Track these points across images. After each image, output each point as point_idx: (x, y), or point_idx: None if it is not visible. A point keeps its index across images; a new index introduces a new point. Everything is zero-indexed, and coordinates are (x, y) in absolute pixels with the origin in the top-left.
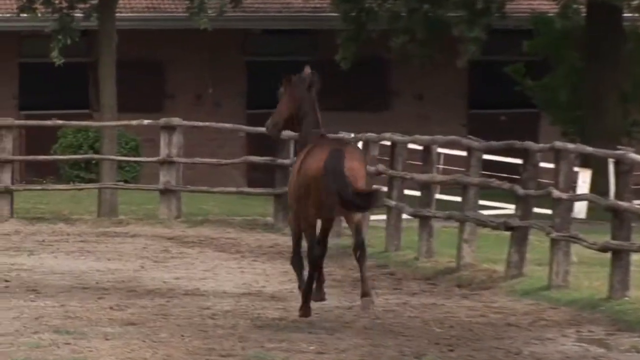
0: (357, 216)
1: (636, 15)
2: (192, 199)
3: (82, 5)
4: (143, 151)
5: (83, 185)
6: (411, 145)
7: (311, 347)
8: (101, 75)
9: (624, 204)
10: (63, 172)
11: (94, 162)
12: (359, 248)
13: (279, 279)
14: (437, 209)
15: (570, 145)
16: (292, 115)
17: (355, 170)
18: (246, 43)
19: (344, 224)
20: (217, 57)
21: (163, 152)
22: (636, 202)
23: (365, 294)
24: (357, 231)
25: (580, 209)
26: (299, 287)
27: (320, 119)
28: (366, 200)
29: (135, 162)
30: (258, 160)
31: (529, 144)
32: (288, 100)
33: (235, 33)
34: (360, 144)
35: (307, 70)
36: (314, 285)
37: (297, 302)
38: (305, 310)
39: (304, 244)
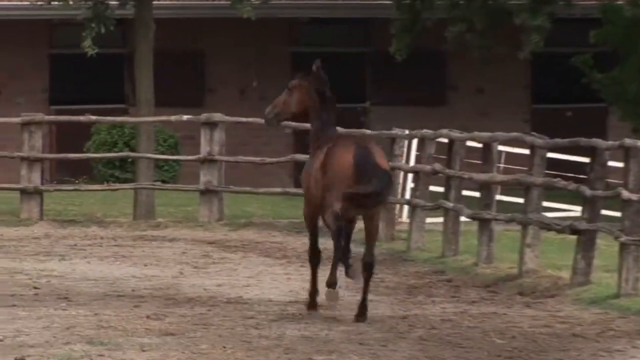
0: (376, 221)
1: None
2: (234, 200)
3: None
4: (182, 149)
5: (118, 186)
6: (470, 143)
7: None
8: (137, 67)
9: None
10: (96, 171)
11: (129, 160)
12: (368, 269)
13: None
14: (498, 211)
15: None
16: (305, 112)
17: (384, 167)
18: (292, 33)
19: (397, 227)
20: (262, 48)
21: (204, 149)
22: None
23: (361, 314)
24: (370, 246)
25: None
26: (311, 286)
27: (334, 118)
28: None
29: (173, 160)
30: (306, 158)
31: (597, 141)
32: (302, 96)
33: (280, 22)
34: (415, 142)
35: (318, 64)
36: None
37: (347, 311)
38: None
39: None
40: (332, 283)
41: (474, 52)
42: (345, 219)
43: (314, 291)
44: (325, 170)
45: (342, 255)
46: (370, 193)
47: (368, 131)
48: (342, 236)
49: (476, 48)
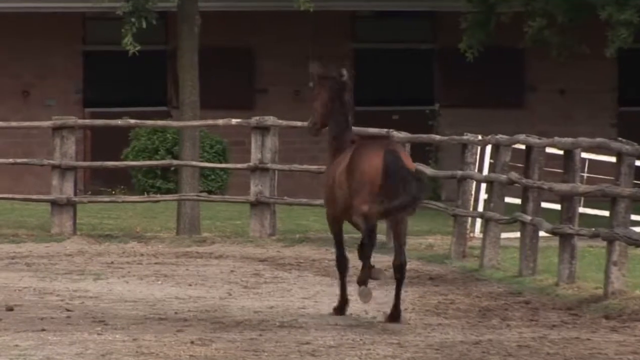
0: (403, 225)
1: None
2: (289, 213)
3: None
4: (231, 156)
5: (159, 197)
6: (550, 150)
7: None
8: (181, 65)
9: None
10: (135, 181)
11: (172, 169)
12: (400, 271)
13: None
14: (581, 225)
15: None
16: (326, 114)
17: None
18: (354, 27)
19: (469, 243)
20: (320, 44)
21: (254, 157)
22: None
23: (394, 317)
24: (400, 248)
25: None
26: (341, 295)
27: (350, 119)
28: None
29: (221, 169)
30: None
31: None
32: (321, 97)
33: (341, 16)
34: (489, 148)
35: (344, 71)
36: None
37: (414, 336)
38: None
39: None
40: (364, 281)
41: (554, 50)
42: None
43: (344, 301)
44: (352, 173)
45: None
46: (407, 204)
47: (396, 133)
48: (374, 235)
49: (557, 45)
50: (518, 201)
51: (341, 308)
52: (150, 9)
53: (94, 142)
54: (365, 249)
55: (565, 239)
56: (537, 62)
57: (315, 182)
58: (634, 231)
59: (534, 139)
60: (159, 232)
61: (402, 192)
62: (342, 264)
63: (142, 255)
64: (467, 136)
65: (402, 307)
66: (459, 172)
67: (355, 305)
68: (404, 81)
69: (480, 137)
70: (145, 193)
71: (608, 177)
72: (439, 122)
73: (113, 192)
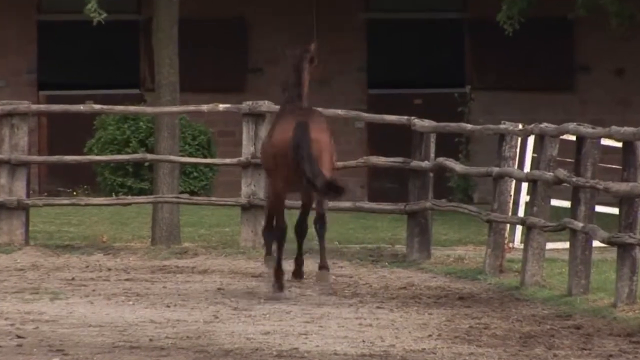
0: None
1: None
2: (288, 219)
3: None
4: (217, 149)
5: (130, 199)
6: (606, 141)
7: None
8: (157, 39)
9: None
10: (101, 179)
11: (146, 164)
12: (320, 221)
13: (414, 335)
14: None
15: None
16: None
17: (322, 143)
18: None
19: (507, 255)
20: (326, 15)
21: (246, 150)
22: None
23: (322, 267)
24: (319, 202)
25: None
26: (265, 259)
27: (305, 92)
28: (331, 192)
29: (206, 165)
30: (384, 162)
31: None
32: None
33: None
34: (531, 139)
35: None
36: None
37: None
38: (278, 286)
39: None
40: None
41: (612, 20)
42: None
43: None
44: (269, 144)
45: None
46: (312, 185)
47: (419, 121)
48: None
49: (615, 15)
50: (567, 204)
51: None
52: None
53: (50, 132)
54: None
55: (625, 250)
56: (590, 35)
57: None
58: None
59: (586, 129)
60: (131, 241)
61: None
62: (266, 235)
63: (109, 269)
64: (505, 125)
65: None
66: (495, 169)
67: (369, 331)
68: (428, 59)
69: (520, 127)
70: (114, 194)
71: None
72: (470, 108)
73: (74, 193)
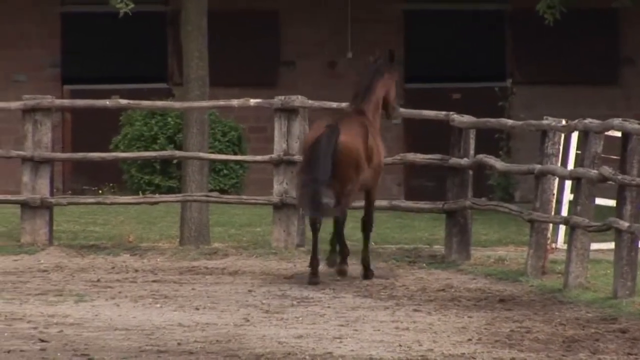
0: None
1: None
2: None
3: None
4: (248, 146)
5: (158, 198)
6: None
7: None
8: (185, 32)
9: None
10: (128, 177)
11: (174, 162)
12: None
13: (453, 339)
14: None
15: None
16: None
17: (348, 150)
18: None
19: (550, 256)
20: (361, 6)
21: (278, 147)
22: None
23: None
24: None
25: None
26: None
27: (363, 93)
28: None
29: (236, 162)
30: (421, 159)
31: None
32: None
33: None
34: (575, 135)
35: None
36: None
37: None
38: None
39: None
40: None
41: None
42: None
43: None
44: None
45: None
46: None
47: (458, 117)
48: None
49: None
50: (612, 203)
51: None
52: None
53: (75, 128)
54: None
55: None
56: (635, 26)
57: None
58: None
59: (632, 125)
60: (158, 242)
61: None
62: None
63: (136, 271)
64: (548, 121)
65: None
66: (537, 167)
67: (406, 335)
68: (468, 51)
69: (564, 122)
70: (141, 193)
71: None
72: (511, 102)
73: (99, 192)
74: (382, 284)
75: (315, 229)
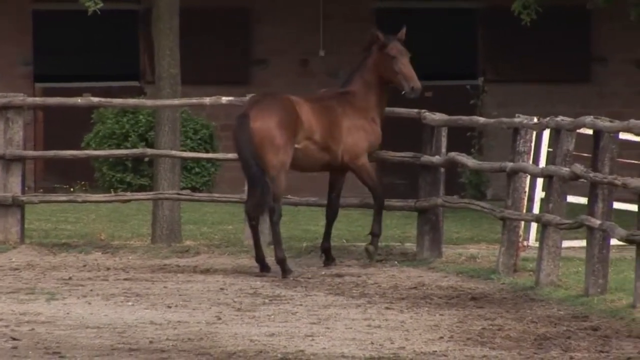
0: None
1: None
2: (294, 216)
3: None
4: (220, 144)
5: (130, 196)
6: (624, 135)
7: None
8: (157, 30)
9: None
10: (100, 175)
11: (146, 160)
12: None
13: (425, 337)
14: None
15: None
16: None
17: (262, 135)
18: None
19: (522, 254)
20: (334, 4)
21: None
22: None
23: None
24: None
25: None
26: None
27: (350, 77)
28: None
29: (208, 160)
30: (393, 157)
31: None
32: None
33: None
34: (547, 133)
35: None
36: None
37: None
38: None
39: None
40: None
41: (632, 10)
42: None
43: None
44: None
45: None
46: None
47: (430, 115)
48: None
49: (634, 5)
50: (584, 201)
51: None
52: None
53: (47, 126)
54: None
55: None
56: (608, 25)
57: (326, 176)
58: None
59: (603, 122)
60: (130, 240)
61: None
62: None
63: (108, 269)
64: (520, 118)
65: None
66: (509, 164)
67: (378, 333)
68: (440, 49)
69: (535, 120)
70: (112, 191)
71: None
72: (483, 100)
73: (71, 190)
74: (354, 282)
75: (251, 225)
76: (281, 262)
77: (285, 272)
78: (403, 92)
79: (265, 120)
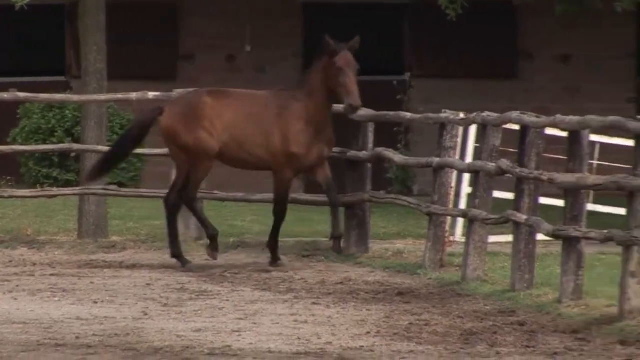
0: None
1: None
2: (220, 212)
3: None
4: (147, 139)
5: (56, 191)
6: (550, 131)
7: None
8: (84, 25)
9: None
10: (25, 170)
11: (72, 155)
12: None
13: (352, 332)
14: (590, 226)
15: None
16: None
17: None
18: None
19: (448, 249)
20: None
21: None
22: None
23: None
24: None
25: None
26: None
27: (298, 85)
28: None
29: (135, 155)
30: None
31: None
32: None
33: None
34: (473, 129)
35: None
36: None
37: None
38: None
39: None
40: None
41: (558, 6)
42: None
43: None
44: None
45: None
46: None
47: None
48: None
49: (559, 2)
50: (510, 196)
51: None
52: None
53: None
54: None
55: (570, 244)
56: (534, 21)
57: (255, 172)
58: None
59: (530, 118)
60: (56, 235)
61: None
62: None
63: (34, 264)
64: (446, 114)
65: None
66: (436, 160)
67: (305, 328)
68: (366, 45)
69: (462, 115)
70: (39, 186)
71: (625, 166)
72: (410, 96)
73: None
74: (281, 278)
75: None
76: (176, 256)
77: (182, 264)
78: (344, 110)
79: (169, 118)
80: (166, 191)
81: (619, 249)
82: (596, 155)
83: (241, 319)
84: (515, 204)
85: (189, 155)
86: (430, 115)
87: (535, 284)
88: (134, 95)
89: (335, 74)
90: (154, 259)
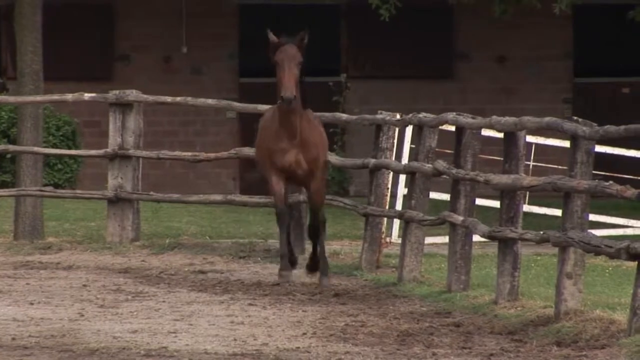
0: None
1: None
2: (156, 213)
3: None
4: (83, 140)
5: None
6: (486, 132)
7: None
8: (19, 25)
9: None
10: None
11: (8, 156)
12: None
13: (288, 333)
14: (526, 227)
15: None
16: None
17: None
18: None
19: (384, 250)
20: (195, 0)
21: (113, 141)
22: None
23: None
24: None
25: None
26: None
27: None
28: None
29: (71, 156)
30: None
31: None
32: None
33: None
34: (409, 130)
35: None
36: None
37: None
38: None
39: None
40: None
41: (497, 6)
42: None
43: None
44: None
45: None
46: None
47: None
48: None
49: (496, 2)
50: (446, 197)
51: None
52: None
53: None
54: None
55: (506, 245)
56: (471, 22)
57: (191, 172)
58: (594, 235)
59: (466, 119)
60: None
61: None
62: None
63: None
64: (382, 115)
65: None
66: (372, 161)
67: (241, 329)
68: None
69: (398, 117)
70: None
71: (560, 167)
72: (346, 97)
73: None
74: (217, 279)
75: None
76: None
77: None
78: None
79: None
80: (102, 192)
81: (555, 250)
82: (532, 156)
83: (177, 320)
84: (452, 205)
85: None
86: (366, 116)
87: (472, 285)
88: (70, 97)
89: (275, 69)
90: (90, 260)
